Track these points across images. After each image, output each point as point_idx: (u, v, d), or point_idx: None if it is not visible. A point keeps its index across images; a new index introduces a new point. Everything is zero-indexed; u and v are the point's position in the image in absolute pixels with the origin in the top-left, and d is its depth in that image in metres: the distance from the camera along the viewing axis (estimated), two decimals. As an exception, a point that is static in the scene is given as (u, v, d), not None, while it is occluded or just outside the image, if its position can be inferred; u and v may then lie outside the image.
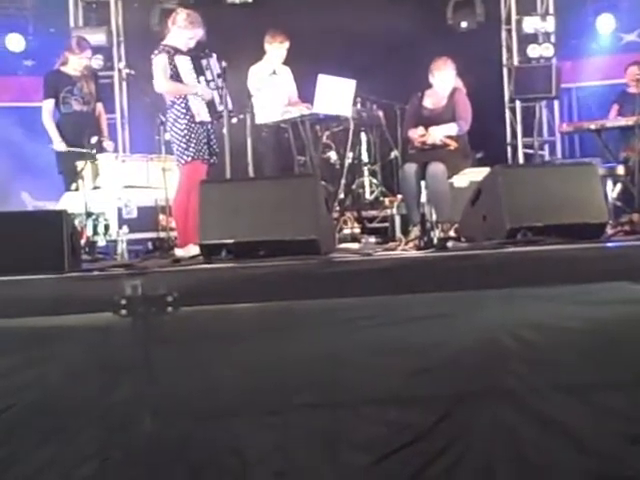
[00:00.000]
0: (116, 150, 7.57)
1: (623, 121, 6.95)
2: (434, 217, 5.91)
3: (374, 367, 2.93)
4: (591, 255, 3.31)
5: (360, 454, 2.87)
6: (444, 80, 6.31)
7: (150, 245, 6.69)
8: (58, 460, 2.85)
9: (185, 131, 5.48)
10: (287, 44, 6.81)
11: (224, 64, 5.52)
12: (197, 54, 5.56)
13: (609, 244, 3.88)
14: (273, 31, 6.88)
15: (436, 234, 5.31)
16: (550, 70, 8.89)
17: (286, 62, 6.94)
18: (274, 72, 6.72)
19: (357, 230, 6.76)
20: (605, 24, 9.18)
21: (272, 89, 6.73)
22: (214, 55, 5.56)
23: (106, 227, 6.26)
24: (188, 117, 5.49)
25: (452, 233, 5.20)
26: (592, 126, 7.11)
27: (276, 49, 6.81)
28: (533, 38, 9.26)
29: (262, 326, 3.01)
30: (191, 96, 5.51)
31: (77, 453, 2.85)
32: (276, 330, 3.01)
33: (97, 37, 8.70)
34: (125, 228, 6.27)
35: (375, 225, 7.26)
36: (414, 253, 4.49)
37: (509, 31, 9.52)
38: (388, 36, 8.55)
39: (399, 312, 3.03)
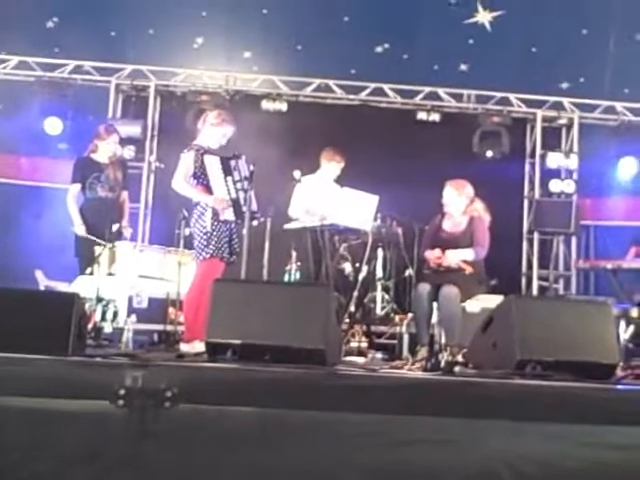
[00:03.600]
0: (134, 239, 7.64)
1: (640, 264, 6.98)
2: (443, 339, 5.86)
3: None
4: (600, 396, 3.25)
5: None
6: (449, 199, 6.34)
7: (156, 337, 6.64)
8: None
9: (208, 228, 5.50)
10: (343, 164, 7.14)
11: (252, 167, 5.61)
12: (227, 155, 5.66)
13: (619, 386, 3.82)
14: (333, 149, 7.21)
15: (444, 357, 5.25)
16: (570, 206, 9.03)
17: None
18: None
19: (364, 344, 6.70)
20: (628, 167, 9.34)
21: (313, 199, 6.87)
22: (243, 157, 5.64)
23: (115, 314, 6.24)
24: (212, 214, 5.53)
25: (460, 358, 5.15)
26: (609, 265, 7.11)
27: (332, 168, 7.15)
28: (556, 173, 9.44)
29: (259, 433, 2.95)
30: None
31: None
32: (273, 438, 2.94)
33: (133, 129, 9.02)
34: (133, 317, 6.25)
35: (383, 341, 7.20)
36: (420, 374, 4.44)
37: (532, 164, 9.71)
38: (415, 158, 8.74)
39: (400, 433, 2.96)
